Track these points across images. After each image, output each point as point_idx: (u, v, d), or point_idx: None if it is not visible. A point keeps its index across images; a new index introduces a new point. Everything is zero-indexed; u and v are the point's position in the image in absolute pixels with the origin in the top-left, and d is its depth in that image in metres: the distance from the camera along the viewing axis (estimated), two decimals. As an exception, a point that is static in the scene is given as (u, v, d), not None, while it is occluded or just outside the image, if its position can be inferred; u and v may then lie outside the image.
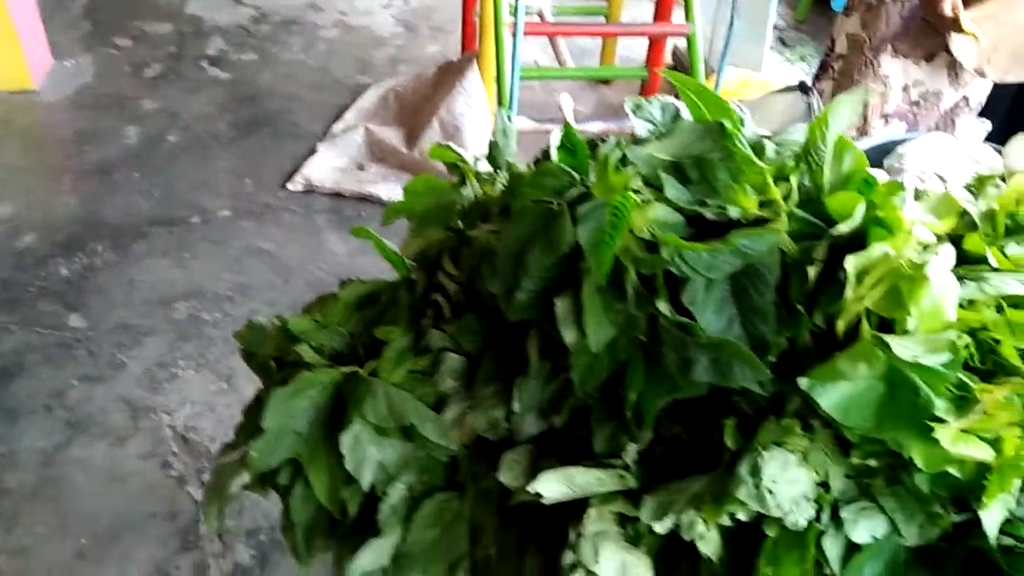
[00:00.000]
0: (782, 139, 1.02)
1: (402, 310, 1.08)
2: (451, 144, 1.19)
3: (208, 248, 2.72)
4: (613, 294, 0.85)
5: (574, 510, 0.85)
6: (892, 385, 0.73)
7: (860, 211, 0.79)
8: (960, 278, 0.82)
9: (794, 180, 0.86)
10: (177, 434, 2.07)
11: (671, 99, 1.12)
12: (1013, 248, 0.89)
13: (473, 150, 3.18)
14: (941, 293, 0.72)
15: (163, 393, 2.18)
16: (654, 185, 0.87)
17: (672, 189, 0.86)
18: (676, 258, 0.81)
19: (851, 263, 0.74)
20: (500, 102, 2.58)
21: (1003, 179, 1.58)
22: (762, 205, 0.85)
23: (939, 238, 0.82)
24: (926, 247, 0.80)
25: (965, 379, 0.73)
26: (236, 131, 3.36)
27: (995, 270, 0.83)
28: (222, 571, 1.78)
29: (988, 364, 0.76)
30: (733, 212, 0.84)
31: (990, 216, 0.93)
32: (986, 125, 1.60)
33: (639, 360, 0.85)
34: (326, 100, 3.58)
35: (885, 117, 1.73)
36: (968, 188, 1.04)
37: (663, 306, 0.81)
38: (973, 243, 0.85)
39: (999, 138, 1.62)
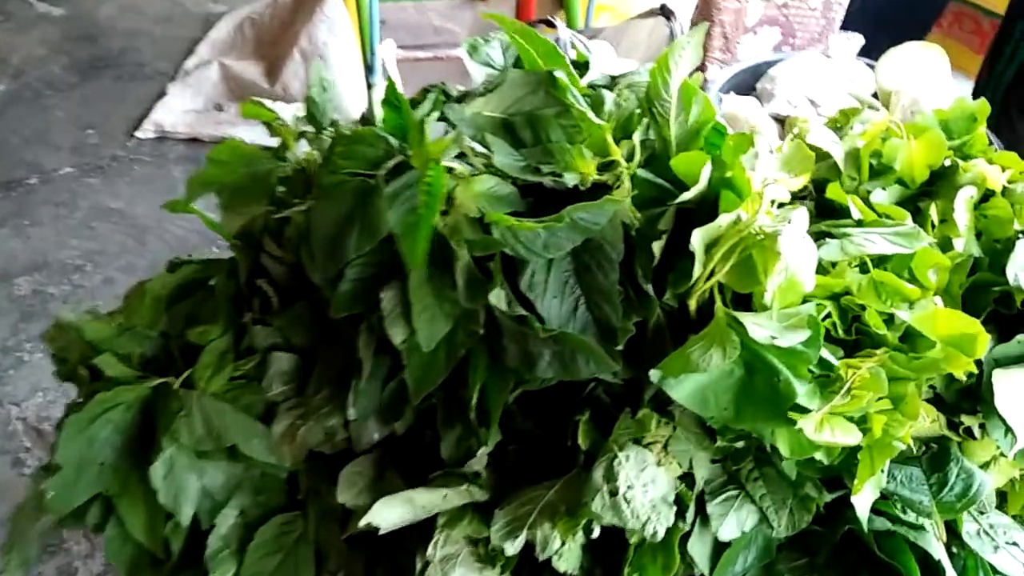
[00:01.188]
0: (632, 81, 0.91)
1: (221, 303, 0.94)
2: (263, 101, 1.03)
3: (50, 212, 2.46)
4: (444, 283, 0.74)
5: (425, 527, 0.76)
6: (750, 370, 0.65)
7: (706, 173, 0.69)
8: (821, 235, 0.74)
9: (637, 137, 0.75)
10: (29, 427, 1.89)
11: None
12: (879, 195, 0.82)
13: (342, 84, 2.93)
14: (797, 263, 0.64)
15: (9, 382, 1.98)
16: (487, 148, 0.75)
17: (502, 155, 0.74)
18: (509, 238, 0.70)
19: (698, 236, 0.65)
20: (360, 28, 2.37)
21: (876, 97, 1.52)
22: (602, 168, 0.74)
23: (796, 194, 0.73)
24: (782, 206, 0.71)
25: (828, 356, 0.66)
26: (74, 75, 3.02)
27: (859, 223, 0.75)
28: (91, 573, 1.64)
29: (853, 334, 0.69)
30: (570, 178, 0.73)
31: (854, 157, 0.86)
32: (857, 39, 1.52)
33: (481, 354, 0.75)
34: (175, 34, 3.25)
35: (753, 30, 1.64)
36: (832, 123, 0.96)
37: (497, 296, 0.71)
38: (835, 192, 0.77)
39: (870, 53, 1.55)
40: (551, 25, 1.24)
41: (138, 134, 2.75)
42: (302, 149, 1.01)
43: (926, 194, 0.85)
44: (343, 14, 2.82)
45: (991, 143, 1.44)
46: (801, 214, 0.66)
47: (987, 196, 0.83)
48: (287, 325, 0.90)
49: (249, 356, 0.89)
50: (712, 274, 0.67)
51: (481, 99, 0.78)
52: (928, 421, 0.75)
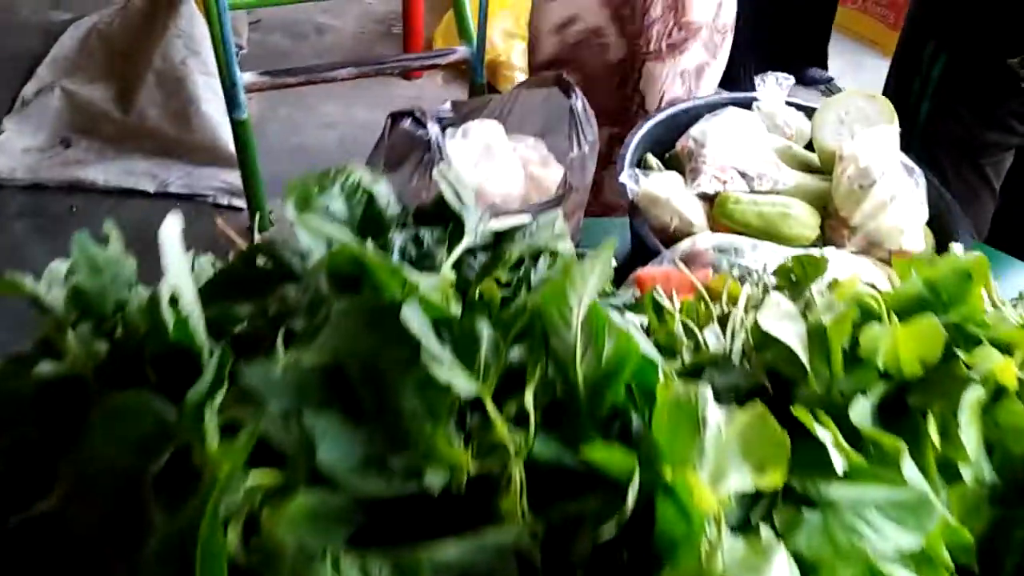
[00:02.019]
0: (530, 248, 0.68)
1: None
2: (16, 280, 0.74)
3: None
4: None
5: None
6: None
7: (634, 484, 0.46)
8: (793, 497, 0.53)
9: (530, 395, 0.51)
10: None
11: (364, 172, 0.73)
12: (861, 406, 0.60)
13: (209, 114, 2.55)
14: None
15: None
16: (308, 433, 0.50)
17: (329, 447, 0.49)
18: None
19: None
20: (216, 53, 2.04)
21: (810, 148, 1.32)
22: (484, 452, 0.50)
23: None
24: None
25: None
26: None
27: (846, 476, 0.54)
28: None
29: None
30: (434, 478, 0.49)
31: (819, 341, 0.64)
32: (787, 81, 1.31)
33: None
34: (14, 49, 2.82)
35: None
36: (784, 274, 0.75)
37: None
38: (803, 416, 0.56)
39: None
40: (417, 120, 0.98)
41: (-33, 184, 2.36)
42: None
43: (916, 386, 0.65)
44: (202, 27, 2.47)
45: (941, 196, 1.27)
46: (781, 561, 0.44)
47: (998, 394, 0.63)
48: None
49: None
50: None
51: (300, 347, 0.52)
52: None
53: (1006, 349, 0.66)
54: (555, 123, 1.09)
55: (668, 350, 0.74)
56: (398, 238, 0.67)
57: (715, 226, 1.15)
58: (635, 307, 0.78)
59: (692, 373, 0.70)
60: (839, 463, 0.55)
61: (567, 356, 0.52)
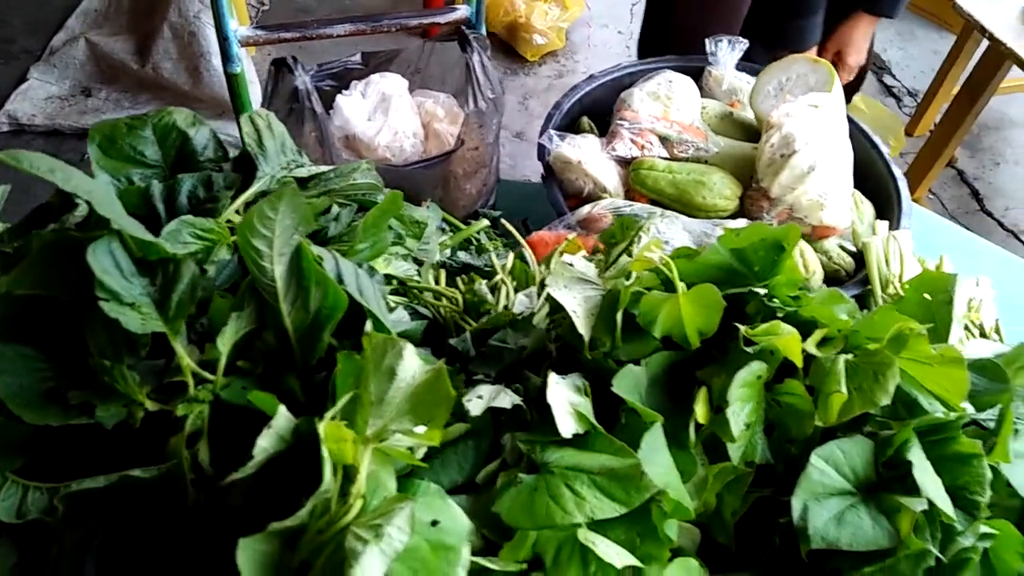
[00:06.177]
0: (330, 187, 0.66)
1: None
2: None
3: None
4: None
5: None
6: None
7: (282, 426, 0.44)
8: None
9: (226, 337, 0.50)
10: None
11: (182, 115, 0.72)
12: (627, 376, 0.57)
13: (217, 60, 2.54)
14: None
15: None
16: None
17: (8, 380, 0.49)
18: None
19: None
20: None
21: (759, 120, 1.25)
22: (165, 392, 0.49)
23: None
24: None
25: None
26: (-69, 56, 2.71)
27: (569, 443, 0.51)
28: None
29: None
30: (105, 413, 0.48)
31: (608, 310, 0.61)
32: (740, 45, 1.23)
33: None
34: (51, 2, 2.91)
35: None
36: (607, 238, 0.71)
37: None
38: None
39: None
40: (290, 69, 0.97)
41: (-10, 129, 2.46)
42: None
43: (708, 358, 0.61)
44: (218, -19, 2.50)
45: (889, 171, 1.19)
46: (404, 516, 0.42)
47: (786, 372, 0.59)
48: None
49: None
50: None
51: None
52: None
53: (812, 326, 0.61)
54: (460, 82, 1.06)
55: (474, 308, 0.72)
56: (188, 181, 0.66)
57: (630, 192, 1.10)
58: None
59: (487, 332, 0.68)
60: (565, 428, 0.53)
61: (273, 300, 0.51)
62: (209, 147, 0.73)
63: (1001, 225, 2.52)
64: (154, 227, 0.62)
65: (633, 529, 0.52)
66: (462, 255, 0.93)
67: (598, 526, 0.52)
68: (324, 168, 0.68)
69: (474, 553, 0.51)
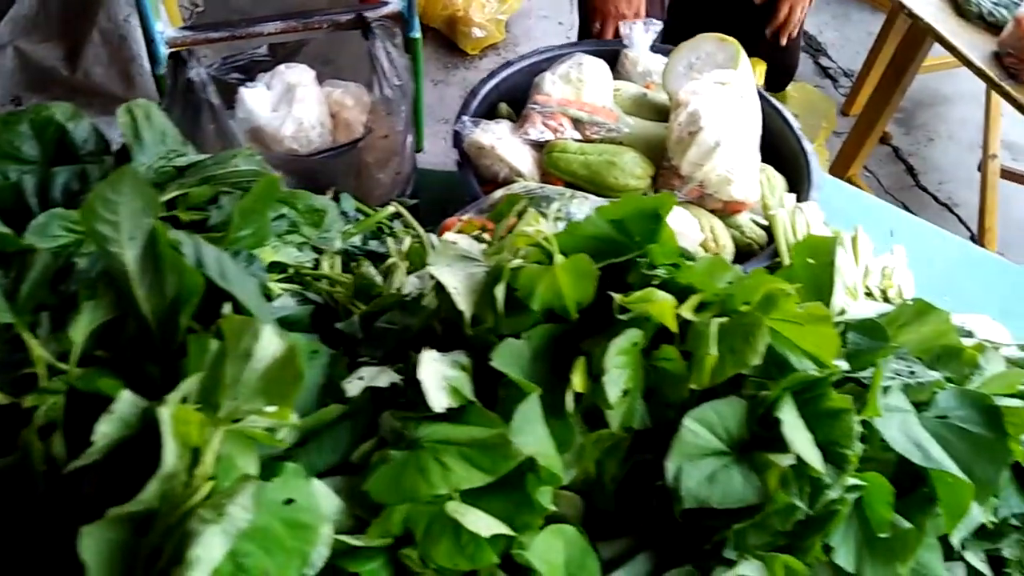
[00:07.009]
0: (212, 173, 0.66)
1: None
2: None
3: None
4: None
5: None
6: None
7: (124, 409, 0.44)
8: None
9: (79, 325, 0.49)
10: None
11: (61, 109, 0.71)
12: (506, 349, 0.57)
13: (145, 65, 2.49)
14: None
15: None
16: None
17: None
18: None
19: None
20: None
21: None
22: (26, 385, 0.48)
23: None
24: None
25: None
26: None
27: (442, 417, 0.52)
28: None
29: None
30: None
31: (488, 286, 0.61)
32: (655, 26, 1.25)
33: None
34: (-23, 10, 2.85)
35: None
36: (496, 215, 0.71)
37: None
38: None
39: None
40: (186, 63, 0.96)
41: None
42: None
43: (592, 329, 0.62)
44: (147, -17, 2.46)
45: (800, 145, 1.21)
46: (247, 495, 0.42)
47: (662, 338, 0.60)
48: None
49: None
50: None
51: None
52: None
53: (690, 292, 0.62)
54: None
55: (365, 291, 0.72)
56: (62, 175, 0.65)
57: (545, 176, 1.11)
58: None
59: (377, 314, 0.68)
60: (436, 402, 0.53)
61: (127, 286, 0.50)
62: (90, 140, 0.72)
63: (936, 199, 2.58)
64: (27, 222, 0.61)
65: (509, 499, 0.53)
66: (374, 244, 0.93)
67: (473, 498, 0.52)
68: (202, 156, 0.67)
69: (347, 532, 0.51)
